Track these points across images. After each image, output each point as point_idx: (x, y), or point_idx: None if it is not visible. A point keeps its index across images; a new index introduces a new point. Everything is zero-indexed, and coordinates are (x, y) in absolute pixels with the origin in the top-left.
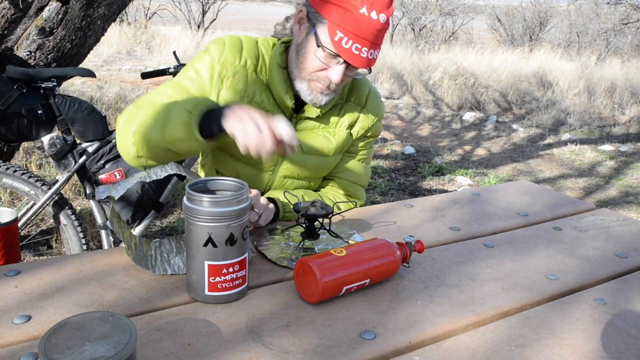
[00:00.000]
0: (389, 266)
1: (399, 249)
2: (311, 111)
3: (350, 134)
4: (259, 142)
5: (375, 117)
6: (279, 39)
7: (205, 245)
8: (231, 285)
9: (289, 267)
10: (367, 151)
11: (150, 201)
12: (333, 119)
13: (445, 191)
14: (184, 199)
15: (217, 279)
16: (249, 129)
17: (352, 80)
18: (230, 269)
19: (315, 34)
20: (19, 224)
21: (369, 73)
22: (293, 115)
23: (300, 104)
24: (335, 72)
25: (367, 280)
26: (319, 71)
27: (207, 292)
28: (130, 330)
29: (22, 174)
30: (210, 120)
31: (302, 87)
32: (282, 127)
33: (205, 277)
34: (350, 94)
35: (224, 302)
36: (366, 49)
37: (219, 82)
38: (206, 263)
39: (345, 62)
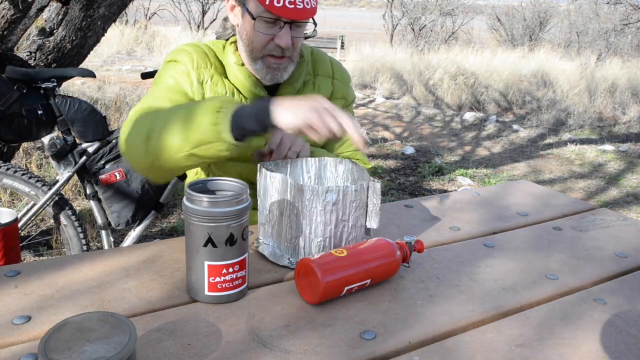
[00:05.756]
0: (389, 266)
1: (399, 249)
2: (285, 93)
3: None
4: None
5: (345, 84)
6: (226, 40)
7: (205, 245)
8: (231, 285)
9: (289, 267)
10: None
11: (150, 201)
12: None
13: (446, 191)
14: (184, 199)
15: (217, 279)
16: (324, 119)
17: (312, 56)
18: (230, 269)
19: (247, 10)
20: (19, 225)
21: (315, 26)
22: None
23: (273, 91)
24: (282, 37)
25: (368, 281)
26: (267, 44)
27: (206, 293)
28: (130, 330)
29: (23, 174)
30: (244, 119)
31: (257, 67)
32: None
33: (205, 277)
34: (316, 69)
35: (224, 302)
36: (299, 0)
37: (200, 88)
38: (206, 263)
39: (286, 23)
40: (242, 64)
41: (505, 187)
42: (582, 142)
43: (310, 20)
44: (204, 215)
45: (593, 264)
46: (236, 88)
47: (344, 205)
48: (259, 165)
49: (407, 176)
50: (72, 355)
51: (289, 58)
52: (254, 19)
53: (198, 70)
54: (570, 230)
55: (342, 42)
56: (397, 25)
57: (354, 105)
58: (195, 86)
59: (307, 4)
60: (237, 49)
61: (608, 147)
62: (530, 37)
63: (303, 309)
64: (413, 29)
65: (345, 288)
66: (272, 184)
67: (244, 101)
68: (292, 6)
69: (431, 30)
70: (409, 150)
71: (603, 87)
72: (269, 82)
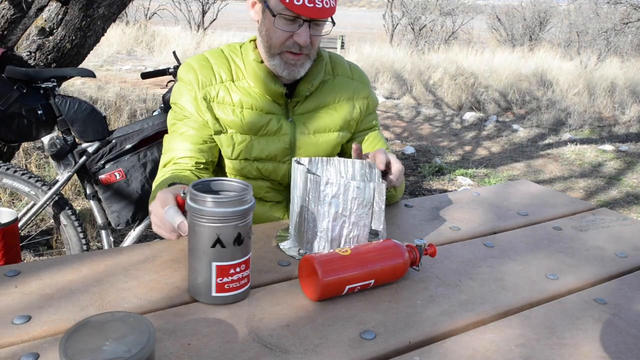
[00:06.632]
0: (395, 268)
1: (408, 252)
2: (303, 89)
3: (359, 109)
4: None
5: (366, 85)
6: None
7: (213, 246)
8: (238, 285)
9: (295, 257)
10: (376, 121)
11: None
12: (330, 96)
13: (446, 191)
14: (188, 199)
15: (225, 279)
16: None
17: (330, 58)
18: (237, 269)
19: (268, 7)
20: (19, 225)
21: (334, 25)
22: (288, 101)
23: (291, 89)
24: (301, 35)
25: (372, 281)
26: (286, 41)
27: (214, 294)
28: (149, 331)
29: (22, 174)
30: None
31: (275, 63)
32: (171, 217)
33: (213, 278)
34: (335, 70)
35: (231, 302)
36: None
37: (209, 108)
38: (214, 264)
39: (305, 21)
40: (261, 61)
41: (505, 187)
42: (582, 142)
43: (329, 19)
44: (213, 215)
45: (593, 264)
46: (253, 87)
47: (345, 200)
48: (293, 160)
49: (407, 176)
50: (91, 354)
51: (306, 55)
52: (274, 15)
53: (204, 89)
54: (570, 230)
55: (342, 42)
56: (397, 25)
57: (376, 107)
58: (203, 108)
59: (327, 4)
60: (256, 47)
61: (608, 147)
62: (530, 37)
63: (303, 309)
64: (413, 29)
65: (347, 287)
66: (295, 176)
67: (257, 97)
68: (312, 5)
69: (431, 30)
70: (409, 150)
71: (603, 87)
72: (287, 78)
